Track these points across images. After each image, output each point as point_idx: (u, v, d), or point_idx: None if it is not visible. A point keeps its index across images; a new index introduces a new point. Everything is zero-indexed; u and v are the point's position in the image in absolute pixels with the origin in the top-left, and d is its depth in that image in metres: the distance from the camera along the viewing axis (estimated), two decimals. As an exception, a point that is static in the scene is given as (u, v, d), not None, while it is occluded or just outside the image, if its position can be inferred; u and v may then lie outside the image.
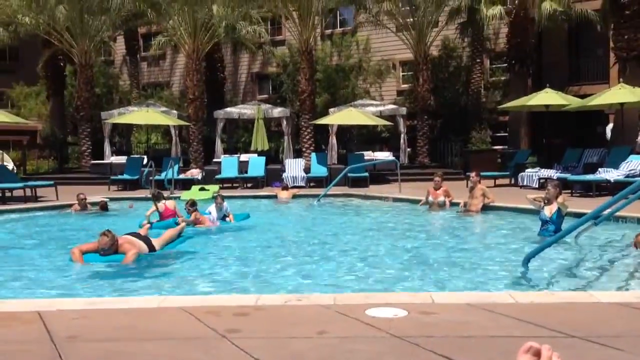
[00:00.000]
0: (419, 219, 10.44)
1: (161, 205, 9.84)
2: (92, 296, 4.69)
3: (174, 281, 5.56)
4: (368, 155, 20.09)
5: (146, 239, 6.90)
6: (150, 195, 10.77)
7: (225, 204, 10.16)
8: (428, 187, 11.53)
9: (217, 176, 17.71)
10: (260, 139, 19.97)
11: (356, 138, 24.81)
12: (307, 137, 20.70)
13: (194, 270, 6.09)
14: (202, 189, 15.10)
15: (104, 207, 11.95)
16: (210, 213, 9.85)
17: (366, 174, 17.22)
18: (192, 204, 9.65)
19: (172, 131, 21.72)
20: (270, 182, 17.65)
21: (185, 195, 13.57)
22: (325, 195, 13.94)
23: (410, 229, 9.30)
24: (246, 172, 18.11)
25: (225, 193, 10.68)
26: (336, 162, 20.10)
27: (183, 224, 8.12)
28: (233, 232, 9.10)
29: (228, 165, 18.32)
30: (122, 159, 19.96)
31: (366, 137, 24.58)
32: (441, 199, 11.24)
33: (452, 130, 22.48)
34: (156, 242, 7.02)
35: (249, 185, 17.91)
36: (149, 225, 9.06)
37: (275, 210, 12.98)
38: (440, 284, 5.27)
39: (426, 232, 8.93)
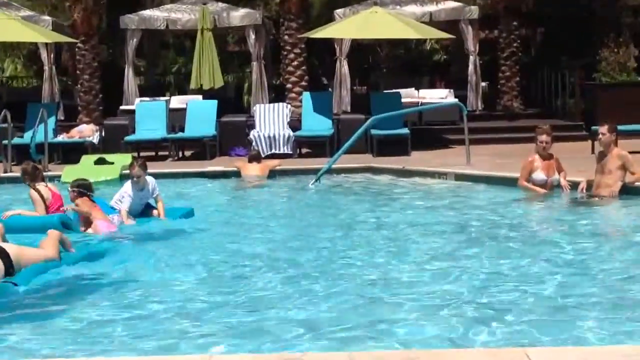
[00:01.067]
0: (506, 211, 10.46)
1: (43, 188, 10.13)
2: None
3: (59, 334, 5.62)
4: (409, 96, 19.84)
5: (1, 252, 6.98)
6: (17, 173, 10.98)
7: (152, 181, 10.50)
8: (528, 156, 11.54)
9: (129, 137, 17.72)
10: (207, 69, 19.86)
11: (386, 65, 24.62)
12: (295, 63, 20.46)
13: (95, 313, 6.15)
14: (100, 162, 14.92)
15: None
16: (122, 202, 10.18)
17: (405, 130, 17.22)
18: (80, 185, 9.87)
19: (44, 55, 21.48)
20: (228, 148, 17.73)
21: (68, 173, 13.54)
22: (329, 171, 13.94)
23: (488, 229, 9.35)
24: (182, 130, 18.12)
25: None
26: (349, 110, 19.82)
27: (54, 235, 8.02)
28: (164, 240, 9.15)
29: (148, 116, 18.28)
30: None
31: (405, 62, 24.44)
32: (555, 176, 11.37)
33: (564, 47, 22.32)
34: (20, 253, 7.12)
35: (187, 153, 17.79)
36: (11, 213, 9.45)
37: (238, 199, 12.96)
38: (546, 330, 5.36)
39: (520, 235, 8.96)
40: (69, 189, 10.00)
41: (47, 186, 10.25)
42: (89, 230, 9.55)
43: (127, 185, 10.32)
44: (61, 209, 9.91)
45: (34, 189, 10.03)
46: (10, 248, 7.07)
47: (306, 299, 6.58)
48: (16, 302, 6.55)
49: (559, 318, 5.81)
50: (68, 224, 9.42)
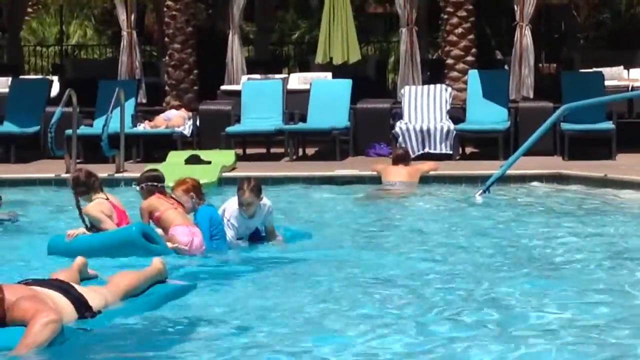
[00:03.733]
0: None
1: (100, 202, 9.53)
2: None
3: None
4: (615, 77, 18.19)
5: (70, 292, 6.82)
6: (67, 180, 11.09)
7: (267, 205, 9.71)
8: None
9: (231, 128, 16.76)
10: (340, 38, 18.60)
11: (584, 34, 23.75)
12: (460, 31, 18.97)
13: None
14: (193, 160, 14.45)
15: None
16: (223, 221, 9.53)
17: (609, 124, 15.93)
18: (148, 178, 9.61)
19: (122, 17, 20.57)
20: (365, 145, 16.76)
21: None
22: (502, 179, 13.07)
23: None
24: (303, 120, 17.05)
25: (253, 171, 10.51)
26: (531, 95, 18.22)
27: (159, 264, 7.75)
28: (281, 274, 8.64)
29: (258, 100, 17.32)
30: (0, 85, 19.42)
31: (611, 31, 23.26)
32: None
33: None
34: (97, 295, 7.03)
35: (309, 151, 17.25)
36: (80, 231, 9.11)
37: (378, 215, 12.24)
38: None
39: None
40: (137, 186, 9.86)
41: (107, 199, 9.47)
42: (168, 244, 8.94)
43: (232, 205, 9.44)
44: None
45: (80, 206, 9.53)
46: (84, 291, 6.99)
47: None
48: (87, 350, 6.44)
49: None
50: (150, 235, 8.87)
